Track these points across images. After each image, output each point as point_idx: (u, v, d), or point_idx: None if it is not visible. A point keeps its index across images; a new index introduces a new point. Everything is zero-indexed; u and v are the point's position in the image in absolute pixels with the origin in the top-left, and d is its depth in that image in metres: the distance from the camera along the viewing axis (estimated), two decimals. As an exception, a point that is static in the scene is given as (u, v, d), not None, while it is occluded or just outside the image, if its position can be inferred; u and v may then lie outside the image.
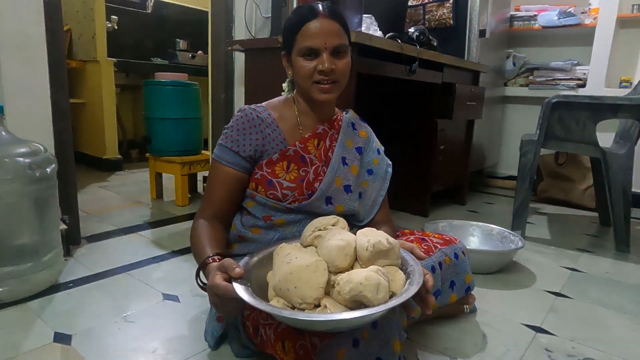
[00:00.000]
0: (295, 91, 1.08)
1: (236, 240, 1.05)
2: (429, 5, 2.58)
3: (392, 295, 0.77)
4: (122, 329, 1.10)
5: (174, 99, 2.25)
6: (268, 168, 1.00)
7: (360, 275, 0.74)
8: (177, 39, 3.93)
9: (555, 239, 2.02)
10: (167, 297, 1.28)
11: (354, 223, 1.10)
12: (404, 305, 0.92)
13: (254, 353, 0.99)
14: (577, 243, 1.97)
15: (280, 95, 1.12)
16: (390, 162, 1.17)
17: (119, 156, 3.23)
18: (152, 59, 3.79)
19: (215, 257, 0.85)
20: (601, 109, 1.82)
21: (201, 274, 0.86)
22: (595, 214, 2.42)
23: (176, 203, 2.30)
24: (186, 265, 1.52)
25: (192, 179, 2.54)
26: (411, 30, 1.95)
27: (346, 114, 1.11)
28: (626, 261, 1.77)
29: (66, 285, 1.32)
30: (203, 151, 2.46)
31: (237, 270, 0.77)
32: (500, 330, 1.16)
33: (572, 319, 1.25)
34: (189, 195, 2.40)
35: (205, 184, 1.01)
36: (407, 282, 0.80)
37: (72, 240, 1.61)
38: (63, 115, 1.57)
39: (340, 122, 1.08)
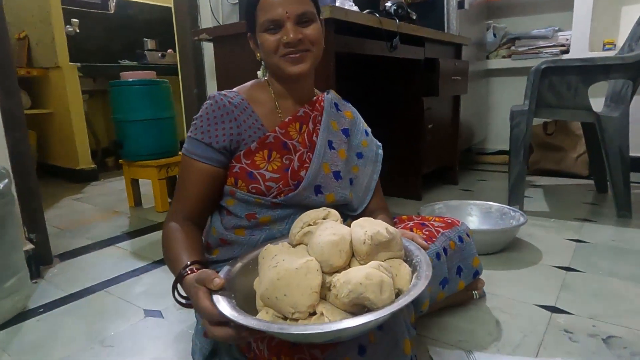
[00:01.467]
0: (268, 73, 0.97)
1: (218, 245, 0.94)
2: (403, -20, 2.47)
3: (398, 292, 0.67)
4: (99, 356, 0.98)
5: (143, 99, 2.10)
6: (247, 159, 0.88)
7: (359, 274, 0.64)
8: (145, 39, 3.75)
9: (554, 211, 1.95)
10: (149, 313, 1.17)
11: (347, 213, 0.99)
12: (413, 302, 0.83)
13: (249, 369, 0.89)
14: (577, 213, 1.91)
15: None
16: (379, 144, 1.07)
17: (94, 165, 3.07)
18: (119, 61, 3.62)
19: (193, 267, 0.74)
20: (593, 71, 1.74)
21: (179, 286, 0.75)
22: (590, 182, 2.36)
23: (156, 209, 2.17)
24: (169, 276, 1.38)
25: (171, 182, 2.40)
26: (388, 4, 1.84)
27: (327, 94, 1.00)
28: (629, 227, 1.71)
29: (36, 312, 1.20)
30: (180, 152, 2.32)
31: (217, 281, 0.66)
32: (513, 315, 1.08)
33: (586, 295, 1.17)
34: (169, 200, 2.26)
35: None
36: (414, 275, 0.70)
37: (41, 260, 1.48)
38: (18, 125, 1.43)
39: (322, 103, 0.97)
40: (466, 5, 2.45)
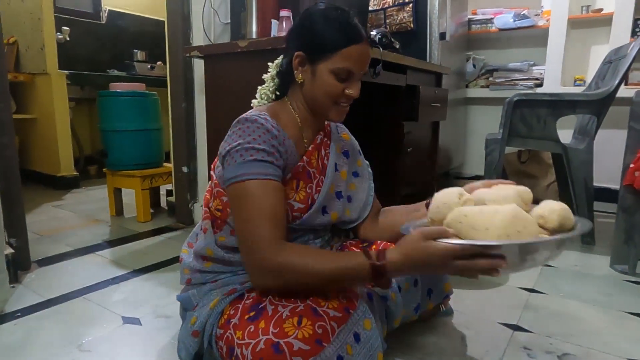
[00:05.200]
0: (291, 97, 0.97)
1: (212, 260, 0.95)
2: (389, 9, 2.60)
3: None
4: (76, 360, 1.00)
5: (131, 110, 2.14)
6: None
7: (554, 205, 0.80)
8: (135, 50, 3.80)
9: (523, 236, 2.04)
10: (127, 320, 1.19)
11: (344, 227, 1.07)
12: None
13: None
14: (545, 238, 2.00)
15: (253, 96, 1.03)
16: (367, 162, 1.15)
17: (76, 173, 3.06)
18: (108, 70, 3.65)
19: (381, 254, 0.77)
20: (561, 105, 1.86)
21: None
22: (559, 209, 2.48)
23: (137, 219, 2.18)
24: (148, 285, 1.42)
25: (155, 193, 2.43)
26: (373, 32, 1.93)
27: None
28: (592, 253, 1.81)
29: (13, 315, 1.21)
30: (165, 164, 2.36)
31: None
32: (478, 332, 1.14)
33: (547, 315, 1.24)
34: (152, 211, 2.29)
35: (232, 215, 0.87)
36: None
37: (20, 264, 1.49)
38: (5, 130, 1.45)
39: (329, 128, 1.05)
40: (447, 37, 2.58)
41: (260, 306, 0.84)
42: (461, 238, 0.75)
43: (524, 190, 0.91)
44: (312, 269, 0.77)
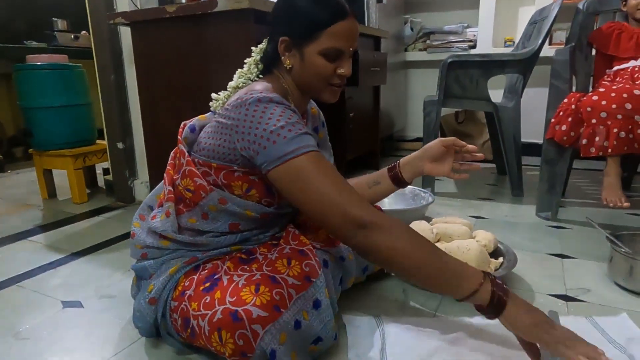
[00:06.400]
0: (282, 79, 0.94)
1: (170, 240, 0.92)
2: (325, -29, 2.55)
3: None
4: (14, 348, 0.96)
5: (54, 84, 1.98)
6: None
7: (487, 234, 1.31)
8: (54, 19, 3.47)
9: (461, 192, 2.17)
10: (67, 304, 1.14)
11: None
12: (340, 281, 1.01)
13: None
14: (480, 193, 2.13)
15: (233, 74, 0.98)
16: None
17: (-1, 156, 2.82)
18: (25, 42, 3.32)
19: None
20: (490, 65, 1.94)
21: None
22: (494, 165, 2.64)
23: (73, 201, 2.07)
24: (89, 267, 1.37)
25: (90, 172, 2.30)
26: (309, -4, 1.90)
27: None
28: (521, 204, 1.95)
29: (-63, 311, 1.12)
30: (98, 141, 2.23)
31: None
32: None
33: (479, 262, 1.34)
34: (88, 191, 2.17)
35: (299, 190, 0.78)
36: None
37: (-59, 257, 1.37)
38: None
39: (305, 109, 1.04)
40: (384, 0, 2.58)
41: (215, 277, 0.84)
42: None
43: (469, 223, 1.36)
44: (414, 238, 0.76)
